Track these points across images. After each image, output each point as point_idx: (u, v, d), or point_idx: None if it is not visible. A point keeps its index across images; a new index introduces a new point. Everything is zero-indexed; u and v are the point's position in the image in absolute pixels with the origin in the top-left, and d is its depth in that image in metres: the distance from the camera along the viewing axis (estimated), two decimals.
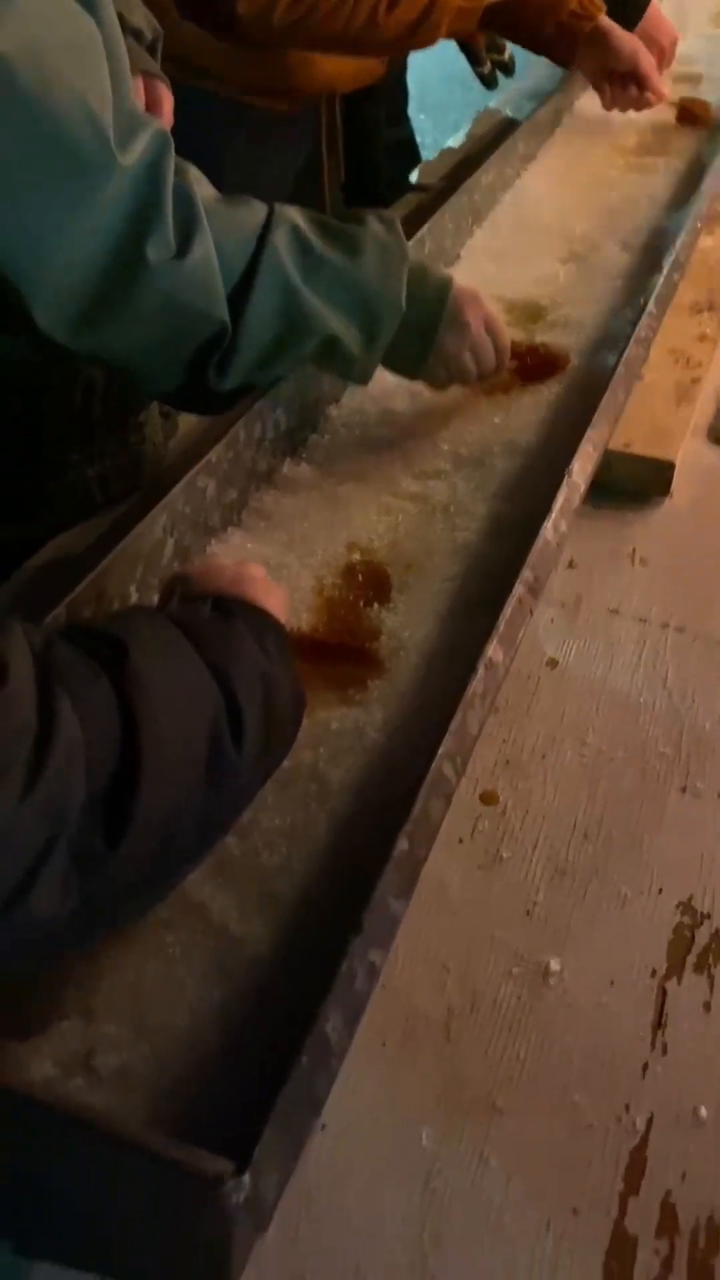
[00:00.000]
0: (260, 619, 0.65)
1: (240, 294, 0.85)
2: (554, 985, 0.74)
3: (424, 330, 0.96)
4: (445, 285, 0.98)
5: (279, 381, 0.96)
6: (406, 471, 1.00)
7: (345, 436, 1.04)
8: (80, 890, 0.47)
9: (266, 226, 0.86)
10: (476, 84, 1.83)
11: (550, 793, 0.86)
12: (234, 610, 0.64)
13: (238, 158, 0.94)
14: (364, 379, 0.95)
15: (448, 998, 0.73)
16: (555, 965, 0.75)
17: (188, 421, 1.17)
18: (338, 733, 0.74)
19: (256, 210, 0.88)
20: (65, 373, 0.99)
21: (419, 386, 1.09)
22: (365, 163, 1.75)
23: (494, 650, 0.70)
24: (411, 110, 1.90)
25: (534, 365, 1.12)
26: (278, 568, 0.89)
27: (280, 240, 0.86)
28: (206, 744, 0.54)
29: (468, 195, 1.40)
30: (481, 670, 0.68)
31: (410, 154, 1.91)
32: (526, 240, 1.41)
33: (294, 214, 0.89)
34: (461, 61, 1.78)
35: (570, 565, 1.08)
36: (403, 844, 0.58)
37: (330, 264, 0.88)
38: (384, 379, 1.11)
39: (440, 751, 0.63)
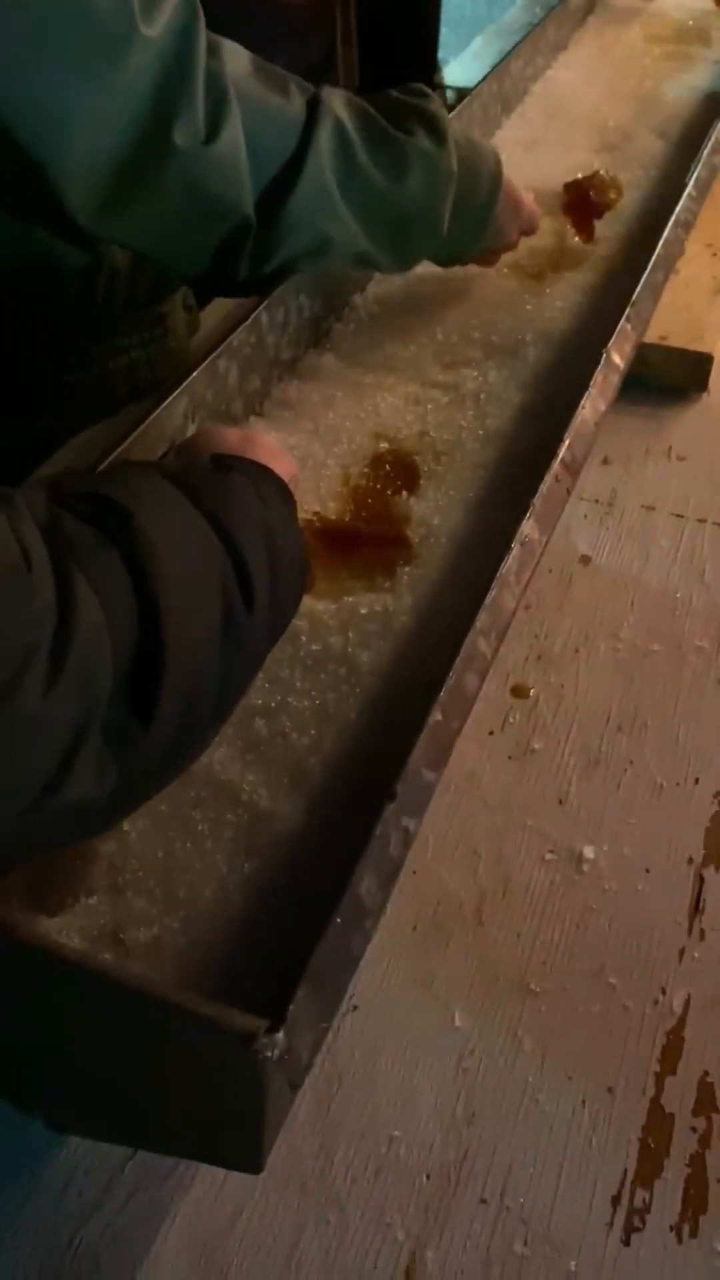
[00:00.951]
0: (258, 471, 0.62)
1: (277, 193, 0.80)
2: (588, 872, 0.73)
3: (461, 243, 0.95)
4: (492, 198, 0.94)
5: None
6: (436, 360, 0.97)
7: (371, 325, 1.01)
8: (117, 771, 0.45)
9: (310, 121, 0.81)
10: None
11: (583, 686, 0.85)
12: (231, 464, 0.61)
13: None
14: (391, 274, 0.94)
15: (479, 882, 0.72)
16: (589, 852, 0.73)
17: (210, 318, 1.14)
18: (366, 617, 0.72)
19: (295, 97, 0.82)
20: (87, 262, 0.96)
21: (449, 273, 1.05)
22: (383, 61, 1.69)
23: (530, 528, 0.67)
24: None
25: (584, 202, 1.08)
26: (303, 458, 0.86)
27: (324, 142, 0.80)
28: (220, 604, 0.52)
29: (496, 83, 1.34)
30: (517, 548, 0.66)
31: (431, 54, 1.83)
32: (558, 129, 1.36)
33: (339, 105, 0.82)
34: None
35: (605, 461, 1.05)
36: (436, 715, 0.56)
37: (371, 181, 0.83)
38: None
39: (475, 626, 0.61)
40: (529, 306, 1.01)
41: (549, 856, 0.73)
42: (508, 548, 0.66)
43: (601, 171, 1.17)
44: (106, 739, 0.45)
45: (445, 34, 2.36)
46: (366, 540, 0.79)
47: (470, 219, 0.94)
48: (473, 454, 0.86)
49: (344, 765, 0.63)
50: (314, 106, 0.82)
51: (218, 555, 0.53)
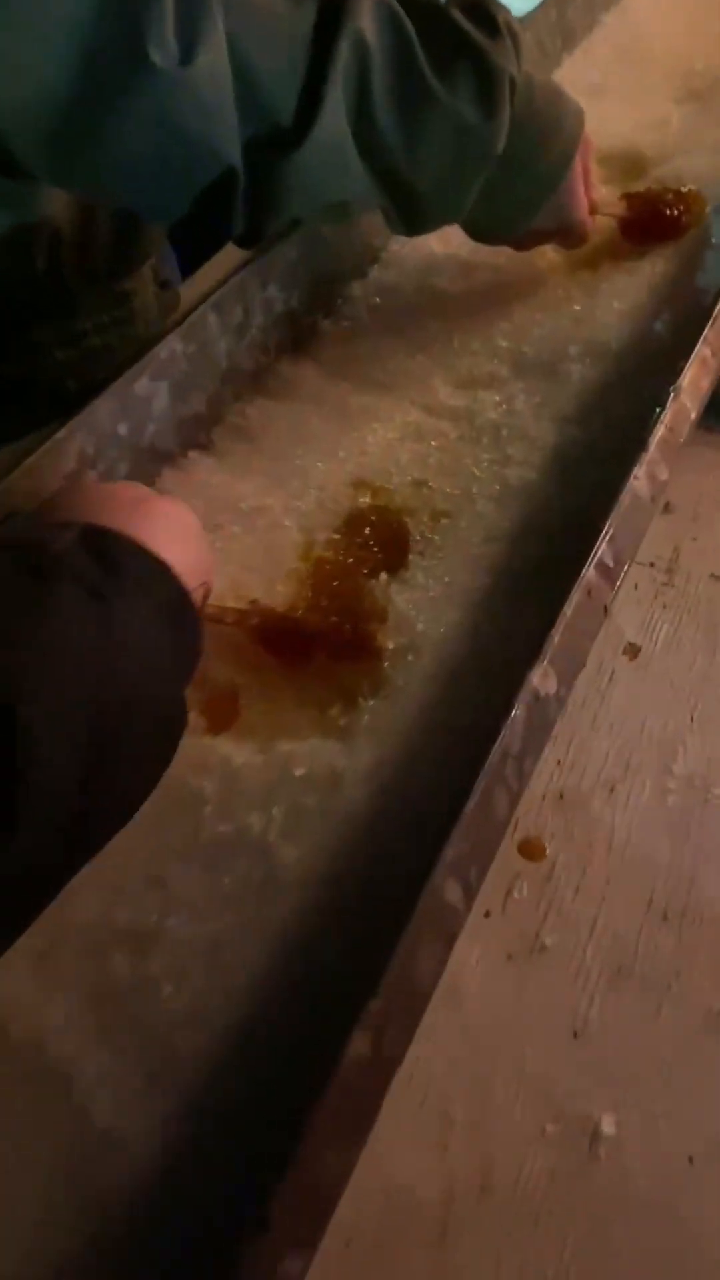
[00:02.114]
0: (129, 564, 0.43)
1: (275, 145, 0.59)
2: (606, 1157, 0.51)
3: (487, 225, 0.73)
4: (545, 190, 0.71)
5: (276, 245, 0.69)
6: (448, 377, 0.73)
7: (370, 323, 0.77)
8: None
9: (325, 40, 0.58)
10: None
11: (619, 844, 0.62)
12: (85, 547, 0.41)
13: None
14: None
15: (449, 1169, 0.50)
16: (609, 1124, 0.52)
17: (192, 292, 0.91)
18: (303, 782, 0.49)
19: (305, 5, 0.59)
20: (13, 223, 0.75)
21: (474, 259, 0.81)
22: None
23: (541, 679, 0.45)
24: None
25: (650, 219, 0.81)
26: (251, 512, 0.64)
27: (340, 72, 0.59)
28: None
29: (556, 10, 1.08)
30: (521, 710, 0.43)
31: None
32: (631, 73, 1.10)
33: (368, 17, 0.60)
34: None
35: (666, 509, 0.81)
36: (359, 1045, 0.34)
37: (381, 137, 0.62)
38: (430, 247, 0.84)
39: (443, 859, 0.38)
40: (577, 307, 0.77)
41: (551, 1128, 0.52)
42: (506, 710, 0.43)
43: (685, 189, 0.85)
44: None
45: None
46: (321, 645, 0.56)
47: (509, 204, 0.70)
48: (485, 518, 0.63)
49: (230, 1060, 0.41)
50: (333, 15, 0.59)
51: None
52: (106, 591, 0.40)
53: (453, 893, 0.39)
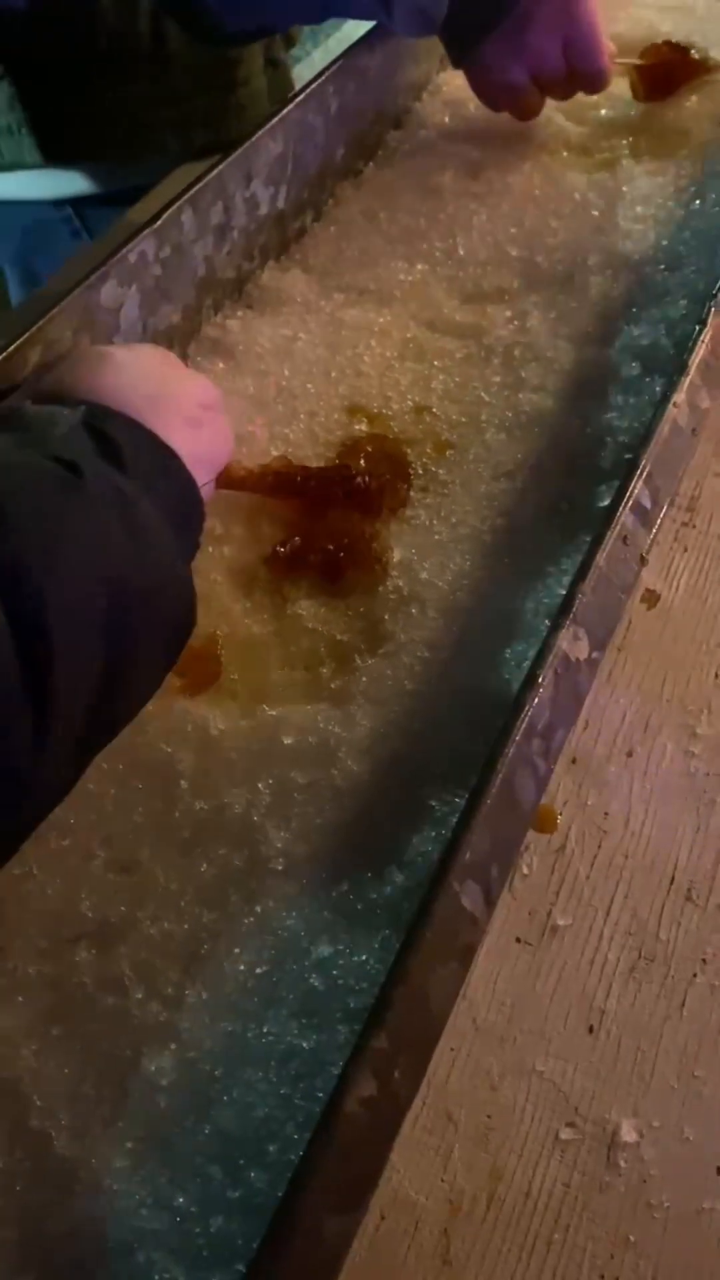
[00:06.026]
0: (146, 459, 0.40)
1: None
2: (626, 1167, 0.46)
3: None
4: None
5: (257, 134, 0.61)
6: (452, 289, 0.66)
7: (363, 227, 0.70)
8: None
9: None
10: None
11: (638, 814, 0.56)
12: (104, 448, 0.39)
13: None
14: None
15: (452, 1177, 0.45)
16: (629, 1131, 0.47)
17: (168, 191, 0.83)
18: (293, 753, 0.43)
19: None
20: None
21: (481, 157, 0.73)
22: None
23: (570, 641, 0.38)
24: None
25: (671, 65, 0.75)
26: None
27: None
28: None
29: None
30: (549, 678, 0.37)
31: None
32: None
33: None
34: None
35: (691, 434, 0.74)
36: (363, 1087, 0.28)
37: None
38: (432, 141, 0.76)
39: (457, 858, 0.32)
40: (595, 213, 0.69)
41: (566, 1134, 0.47)
42: (532, 679, 0.37)
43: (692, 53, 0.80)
44: None
45: None
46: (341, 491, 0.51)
47: None
48: (495, 450, 0.56)
49: (208, 1093, 0.35)
50: None
51: None
52: (129, 490, 0.37)
53: (471, 898, 0.33)
